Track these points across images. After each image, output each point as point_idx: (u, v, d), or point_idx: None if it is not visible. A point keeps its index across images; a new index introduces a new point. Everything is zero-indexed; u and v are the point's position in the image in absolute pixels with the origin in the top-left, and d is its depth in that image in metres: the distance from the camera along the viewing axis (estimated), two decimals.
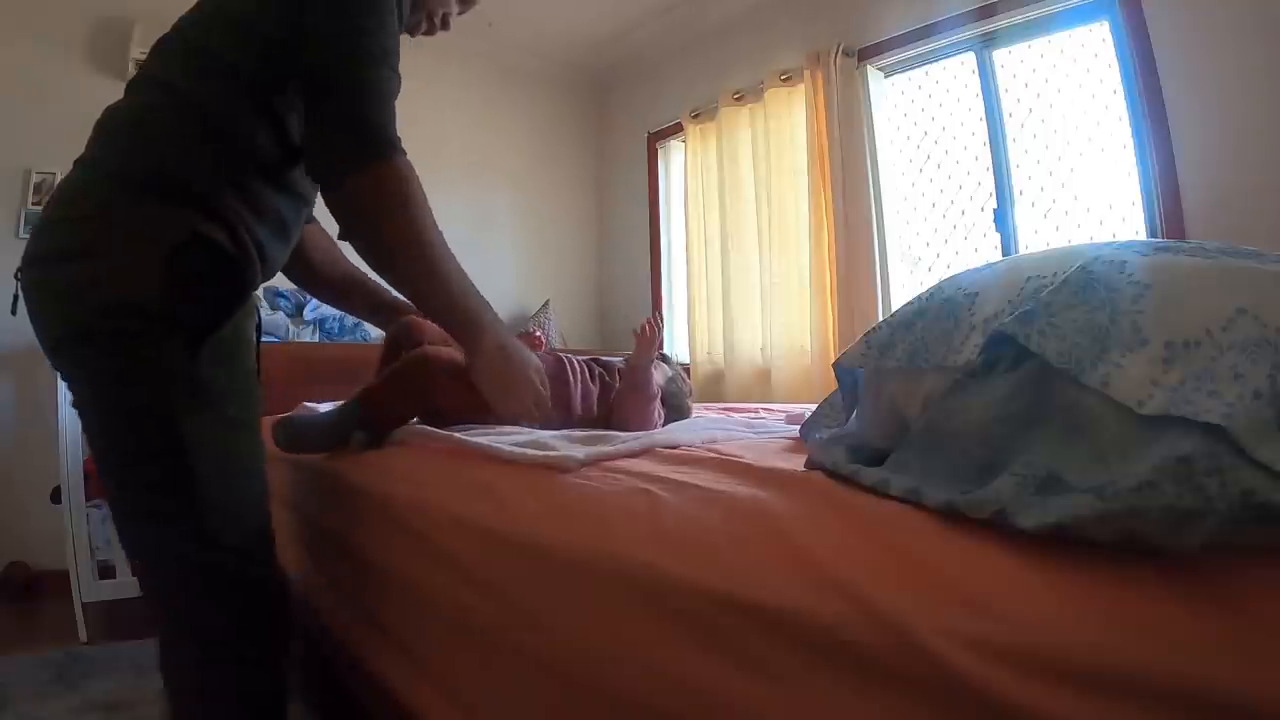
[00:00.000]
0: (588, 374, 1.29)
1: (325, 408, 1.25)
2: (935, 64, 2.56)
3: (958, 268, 1.15)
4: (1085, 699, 0.32)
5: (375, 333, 2.56)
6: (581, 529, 0.60)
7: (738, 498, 0.56)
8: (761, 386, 2.79)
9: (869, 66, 2.62)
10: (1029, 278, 0.53)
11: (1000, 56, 2.39)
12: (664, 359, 1.37)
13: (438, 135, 3.21)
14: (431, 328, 1.17)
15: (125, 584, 1.99)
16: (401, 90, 0.86)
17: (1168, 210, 1.91)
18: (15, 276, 0.82)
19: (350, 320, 2.69)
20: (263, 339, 0.95)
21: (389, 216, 0.84)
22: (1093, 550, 0.38)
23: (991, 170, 2.37)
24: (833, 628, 0.41)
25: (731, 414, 1.54)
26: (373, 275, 0.98)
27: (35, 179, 2.40)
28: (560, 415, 1.17)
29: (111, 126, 0.83)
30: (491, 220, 3.50)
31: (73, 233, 0.77)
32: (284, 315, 2.66)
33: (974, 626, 0.36)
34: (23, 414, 2.39)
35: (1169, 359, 0.42)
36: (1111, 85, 2.09)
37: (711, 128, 3.10)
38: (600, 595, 0.55)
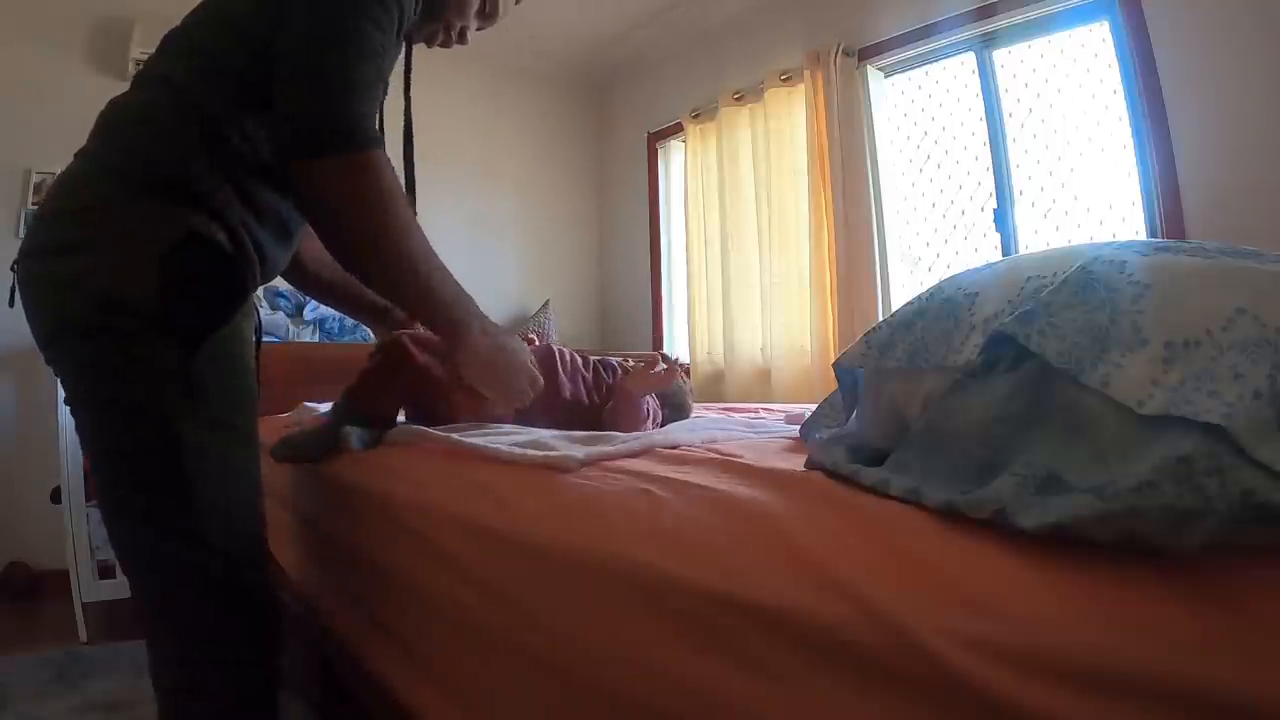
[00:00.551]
0: (579, 361, 1.28)
1: (325, 408, 1.25)
2: (935, 64, 2.56)
3: (958, 268, 1.15)
4: (1085, 699, 0.32)
5: None
6: (581, 529, 0.60)
7: (738, 498, 0.56)
8: (761, 386, 2.79)
9: (869, 66, 2.62)
10: (1029, 278, 0.53)
11: (1000, 56, 2.39)
12: (664, 359, 1.36)
13: (437, 135, 3.20)
14: (425, 339, 1.15)
15: (125, 584, 1.97)
16: None
17: (1168, 210, 1.91)
18: (11, 269, 0.82)
19: (350, 320, 2.69)
20: (263, 339, 0.95)
21: (356, 208, 0.80)
22: (1093, 550, 0.38)
23: (991, 170, 2.37)
24: (832, 628, 0.41)
25: (731, 414, 1.54)
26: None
27: (35, 179, 2.40)
28: (549, 399, 1.16)
29: (114, 120, 0.82)
30: (491, 220, 3.50)
31: (71, 225, 0.77)
32: (284, 315, 2.66)
33: (974, 626, 0.36)
34: (23, 414, 2.39)
35: (1169, 359, 0.42)
36: (1111, 85, 2.09)
37: (711, 128, 3.10)
38: (600, 595, 0.55)
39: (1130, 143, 2.01)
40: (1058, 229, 2.26)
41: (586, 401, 1.25)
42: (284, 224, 0.90)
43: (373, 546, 0.91)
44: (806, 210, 2.65)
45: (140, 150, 0.79)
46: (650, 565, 0.52)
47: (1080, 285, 0.49)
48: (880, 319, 1.04)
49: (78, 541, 1.96)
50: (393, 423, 1.11)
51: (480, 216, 3.45)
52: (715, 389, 2.97)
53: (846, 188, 2.56)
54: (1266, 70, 1.76)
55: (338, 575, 1.06)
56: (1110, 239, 1.08)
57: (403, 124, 1.09)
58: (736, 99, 2.97)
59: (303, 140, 0.77)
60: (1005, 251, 2.31)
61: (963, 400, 0.51)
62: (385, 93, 0.86)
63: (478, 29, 1.08)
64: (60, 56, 2.50)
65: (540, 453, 0.78)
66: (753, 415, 1.49)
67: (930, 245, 2.60)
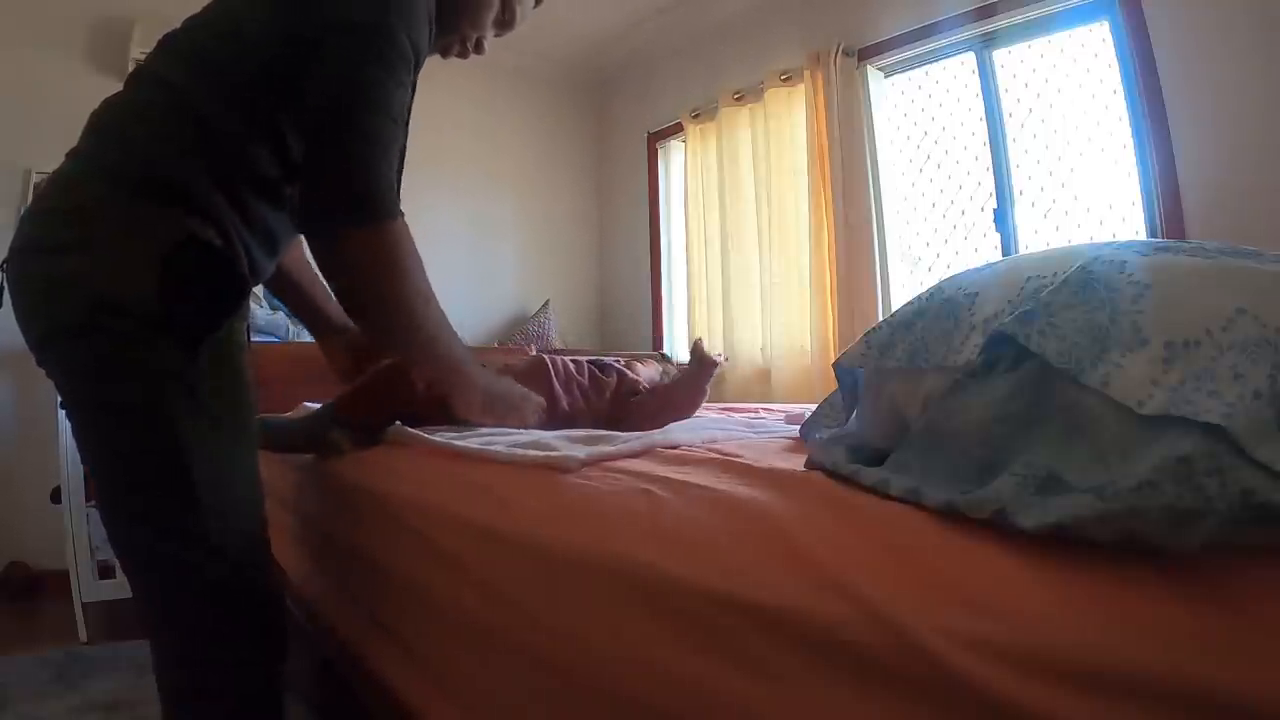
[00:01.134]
0: (572, 368, 1.27)
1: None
2: (935, 64, 2.56)
3: (958, 268, 1.15)
4: (1085, 699, 0.32)
5: None
6: (581, 529, 0.60)
7: (738, 498, 0.56)
8: (761, 386, 2.79)
9: (869, 66, 2.63)
10: (1029, 278, 0.53)
11: (1000, 56, 2.39)
12: (664, 359, 1.36)
13: (438, 136, 3.20)
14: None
15: (125, 584, 1.97)
16: None
17: (1168, 210, 1.91)
18: (1, 267, 0.80)
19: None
20: (263, 339, 0.95)
21: (374, 279, 0.83)
22: (1093, 550, 0.38)
23: (991, 170, 2.37)
24: (832, 628, 0.41)
25: (731, 414, 1.54)
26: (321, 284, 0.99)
27: (35, 179, 2.40)
28: (549, 417, 1.16)
29: (108, 120, 0.82)
30: (491, 220, 3.50)
31: (64, 225, 0.76)
32: (284, 315, 2.66)
33: (974, 626, 0.36)
34: (23, 414, 2.39)
35: (1169, 359, 0.42)
36: (1111, 85, 2.09)
37: (711, 128, 3.10)
38: (600, 595, 0.55)
39: (1130, 143, 2.01)
40: (1058, 229, 2.26)
41: (585, 409, 1.24)
42: (271, 234, 0.89)
43: (373, 546, 0.91)
44: (806, 210, 2.65)
45: (136, 150, 0.78)
46: (650, 565, 0.52)
47: (1080, 285, 0.49)
48: (880, 319, 1.04)
49: (78, 541, 1.96)
50: (376, 439, 1.10)
51: (480, 216, 3.45)
52: (715, 389, 2.96)
53: (846, 188, 2.56)
54: (1266, 70, 1.76)
55: (338, 575, 1.06)
56: (1110, 239, 1.08)
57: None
58: (736, 99, 2.97)
59: (325, 214, 0.80)
60: (1005, 251, 2.31)
61: (963, 400, 0.51)
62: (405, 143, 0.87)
63: (495, 35, 1.07)
64: (60, 56, 2.50)
65: (541, 453, 0.78)
66: (753, 415, 1.49)
67: (930, 245, 2.60)
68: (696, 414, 1.37)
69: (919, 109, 2.65)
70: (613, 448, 0.80)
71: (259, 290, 1.07)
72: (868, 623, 0.39)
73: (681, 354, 3.24)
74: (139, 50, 2.46)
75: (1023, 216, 2.32)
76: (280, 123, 0.83)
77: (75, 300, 0.74)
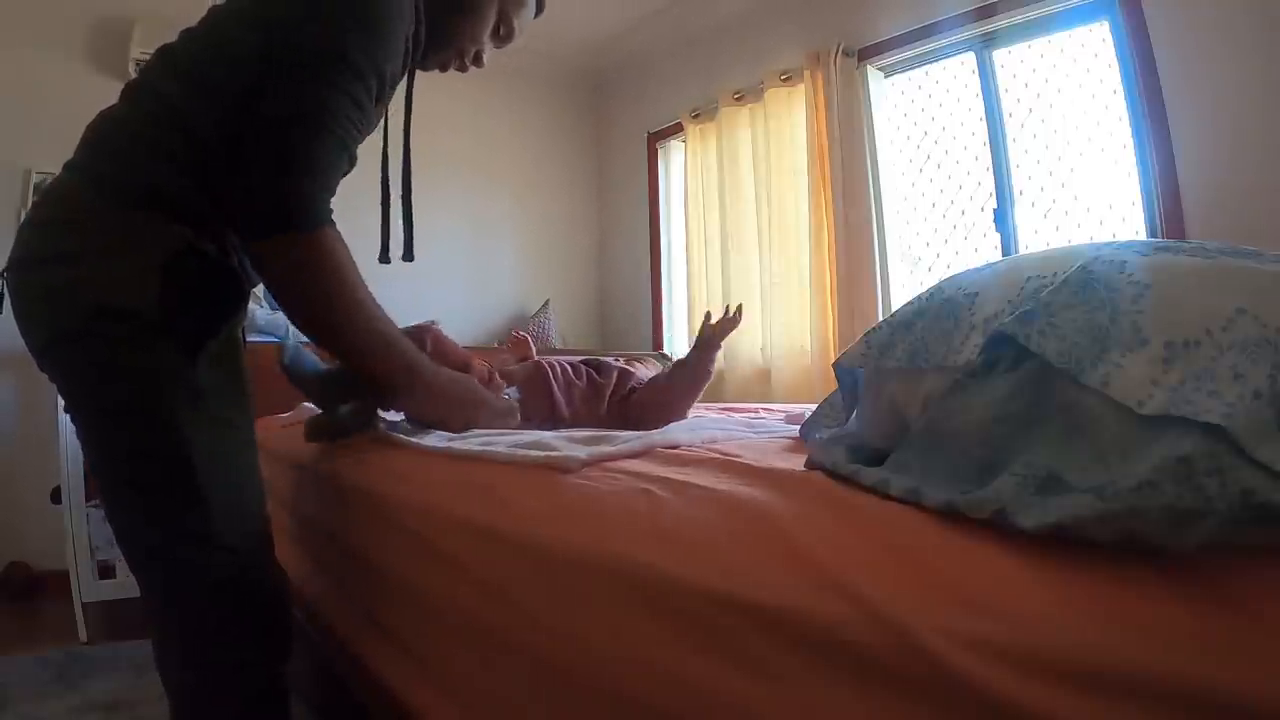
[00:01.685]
0: (570, 372, 1.27)
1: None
2: (935, 64, 2.56)
3: (958, 268, 1.15)
4: (1085, 699, 0.32)
5: None
6: (581, 529, 0.60)
7: (738, 498, 0.56)
8: (761, 386, 2.79)
9: (869, 66, 2.62)
10: (1029, 278, 0.53)
11: (1000, 56, 2.39)
12: (664, 359, 1.36)
13: (437, 136, 3.20)
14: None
15: (125, 584, 1.99)
16: None
17: (1168, 210, 1.91)
18: (2, 275, 0.82)
19: None
20: (262, 339, 0.95)
21: (299, 284, 0.83)
22: (1093, 550, 0.38)
23: (991, 170, 2.37)
24: (832, 628, 0.41)
25: (731, 414, 1.54)
26: None
27: (35, 179, 2.40)
28: (547, 421, 1.16)
29: (105, 132, 0.82)
30: (491, 221, 3.50)
31: (62, 235, 0.77)
32: (284, 315, 2.66)
33: (974, 626, 0.36)
34: (23, 414, 2.39)
35: (1169, 359, 0.42)
36: (1111, 85, 2.09)
37: (711, 128, 3.10)
38: (600, 595, 0.55)
39: (1130, 143, 2.01)
40: (1058, 229, 2.26)
41: (586, 414, 1.24)
42: None
43: (373, 546, 0.91)
44: (806, 210, 2.65)
45: (132, 162, 0.79)
46: (650, 565, 0.52)
47: (1080, 285, 0.49)
48: (880, 319, 1.04)
49: (78, 541, 1.96)
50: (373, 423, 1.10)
51: (480, 217, 3.45)
52: (715, 389, 2.97)
53: (846, 188, 2.56)
54: (1266, 70, 1.76)
55: (337, 575, 1.06)
56: (1110, 239, 1.08)
57: (401, 145, 1.10)
58: (736, 99, 2.97)
59: (253, 221, 0.79)
60: (1005, 251, 2.31)
61: (963, 400, 0.51)
62: (352, 165, 0.87)
63: (496, 47, 1.07)
64: (60, 57, 2.50)
65: (541, 453, 0.78)
66: (753, 415, 1.49)
67: (930, 245, 2.60)
68: (696, 414, 1.37)
69: (919, 109, 2.65)
70: (613, 448, 0.80)
71: (259, 290, 1.06)
72: (868, 623, 0.39)
73: (682, 354, 3.24)
74: (139, 50, 2.46)
75: (1023, 216, 2.32)
76: None
77: (74, 308, 0.75)
